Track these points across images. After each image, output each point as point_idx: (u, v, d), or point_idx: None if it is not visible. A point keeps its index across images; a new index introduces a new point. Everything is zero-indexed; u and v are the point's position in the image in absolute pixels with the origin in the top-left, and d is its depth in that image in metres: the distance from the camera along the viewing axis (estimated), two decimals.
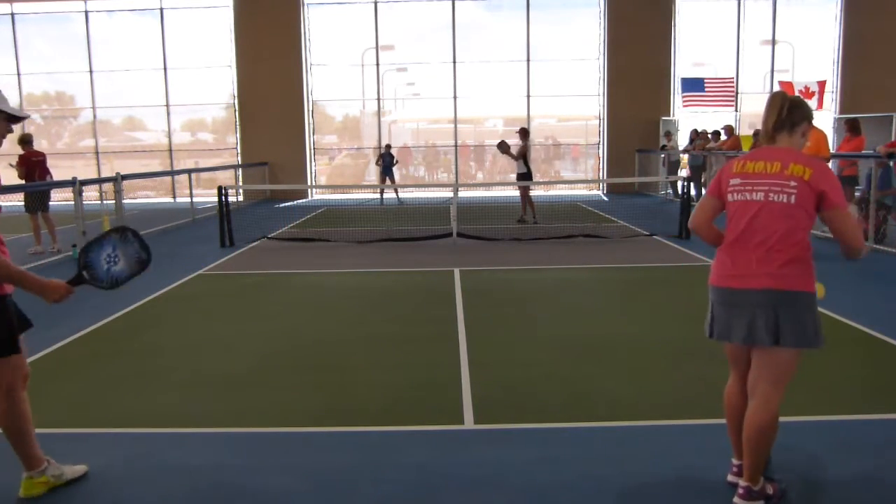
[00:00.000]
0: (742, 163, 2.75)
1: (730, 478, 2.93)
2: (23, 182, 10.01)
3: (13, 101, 19.38)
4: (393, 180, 17.57)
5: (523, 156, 12.32)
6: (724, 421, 2.94)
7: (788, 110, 2.70)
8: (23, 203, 10.16)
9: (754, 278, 2.63)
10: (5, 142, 2.91)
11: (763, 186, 2.64)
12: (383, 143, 18.36)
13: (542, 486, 2.99)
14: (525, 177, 12.45)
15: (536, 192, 12.87)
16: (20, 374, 2.91)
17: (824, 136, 8.76)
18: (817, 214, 2.64)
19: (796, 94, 18.08)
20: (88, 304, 6.62)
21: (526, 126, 15.38)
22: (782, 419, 2.72)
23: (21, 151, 10.27)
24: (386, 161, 17.30)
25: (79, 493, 3.02)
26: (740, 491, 2.72)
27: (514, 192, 16.94)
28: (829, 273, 7.58)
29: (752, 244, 2.64)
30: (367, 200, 18.48)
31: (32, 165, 10.04)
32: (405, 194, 18.61)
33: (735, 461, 2.92)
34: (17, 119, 2.87)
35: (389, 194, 18.30)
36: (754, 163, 2.70)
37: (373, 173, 20.25)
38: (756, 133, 13.78)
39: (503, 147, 12.41)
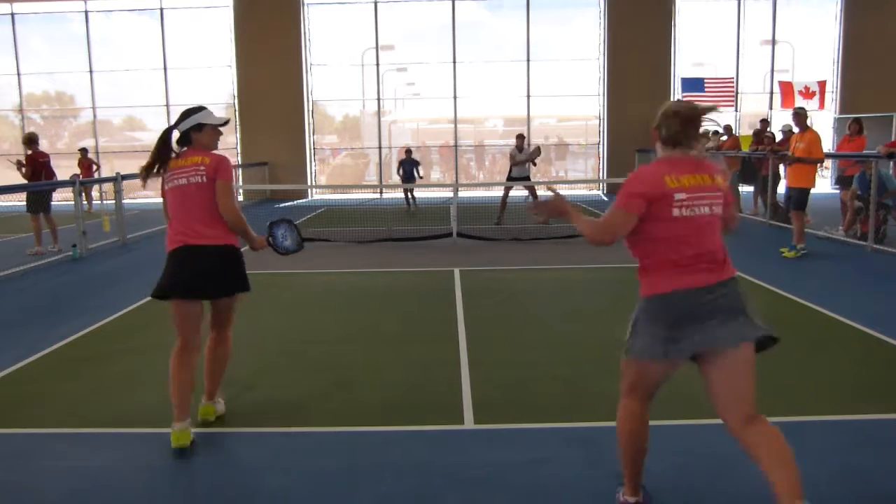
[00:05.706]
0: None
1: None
2: (27, 182, 9.96)
3: (13, 101, 19.59)
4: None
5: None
6: (722, 421, 2.93)
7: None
8: (25, 203, 10.11)
9: None
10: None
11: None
12: (403, 148, 18.21)
13: (542, 486, 2.99)
14: (528, 178, 12.61)
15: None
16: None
17: (817, 138, 8.50)
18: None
19: (796, 94, 18.16)
20: (90, 304, 6.63)
21: (523, 129, 15.42)
22: (783, 419, 2.72)
23: (26, 151, 10.19)
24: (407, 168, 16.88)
25: (78, 494, 3.03)
26: None
27: (517, 193, 16.89)
28: (830, 273, 7.60)
29: None
30: (379, 201, 18.43)
31: (39, 167, 9.93)
32: (401, 194, 18.59)
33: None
34: (224, 124, 3.65)
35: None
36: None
37: (373, 173, 20.24)
38: (756, 133, 13.76)
39: (537, 153, 12.62)
